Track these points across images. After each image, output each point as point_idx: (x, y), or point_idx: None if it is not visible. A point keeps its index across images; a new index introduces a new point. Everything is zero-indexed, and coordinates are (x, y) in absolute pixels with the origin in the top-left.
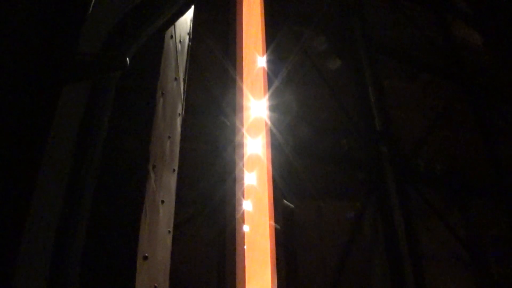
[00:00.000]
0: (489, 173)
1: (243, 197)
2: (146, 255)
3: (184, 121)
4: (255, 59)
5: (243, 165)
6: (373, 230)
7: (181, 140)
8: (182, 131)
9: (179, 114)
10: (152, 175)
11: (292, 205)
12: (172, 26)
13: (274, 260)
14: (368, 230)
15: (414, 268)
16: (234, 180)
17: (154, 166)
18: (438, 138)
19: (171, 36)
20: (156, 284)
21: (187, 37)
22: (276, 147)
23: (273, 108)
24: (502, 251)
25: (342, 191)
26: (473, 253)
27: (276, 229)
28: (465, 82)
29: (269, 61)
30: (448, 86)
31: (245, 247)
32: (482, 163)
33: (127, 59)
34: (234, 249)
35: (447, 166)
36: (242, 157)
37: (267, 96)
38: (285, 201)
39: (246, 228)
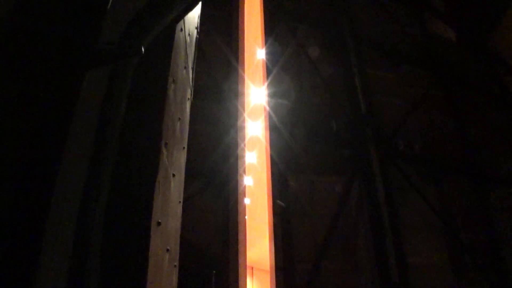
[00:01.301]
0: (460, 152)
1: (245, 173)
2: (159, 221)
3: (192, 106)
4: (255, 51)
5: (245, 145)
6: (358, 202)
7: (190, 122)
8: (191, 114)
9: (188, 98)
10: (164, 151)
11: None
12: (182, 21)
13: (272, 228)
14: (354, 201)
15: (394, 234)
16: (236, 159)
17: (166, 144)
18: (416, 121)
19: (181, 29)
20: (168, 247)
21: (195, 30)
22: (274, 129)
23: (271, 95)
24: (470, 220)
25: (331, 167)
26: (445, 222)
27: (280, 205)
28: (440, 72)
29: (267, 53)
30: (425, 75)
31: (246, 217)
32: (454, 143)
33: (142, 47)
34: (237, 219)
35: (424, 145)
36: (244, 138)
37: (266, 84)
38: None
39: (247, 200)
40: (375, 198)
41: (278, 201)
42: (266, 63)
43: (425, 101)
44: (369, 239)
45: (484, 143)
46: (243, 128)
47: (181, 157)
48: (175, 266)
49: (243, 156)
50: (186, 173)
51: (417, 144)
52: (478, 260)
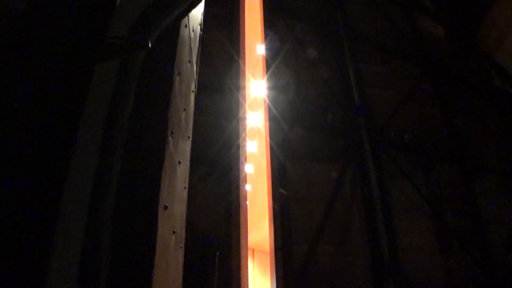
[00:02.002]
0: (448, 141)
1: (246, 161)
2: (166, 205)
3: (196, 98)
4: (255, 47)
5: (246, 135)
6: (352, 188)
7: (195, 114)
8: (195, 106)
9: (193, 91)
10: (170, 139)
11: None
12: (186, 17)
13: (271, 212)
14: (348, 187)
15: (386, 218)
16: (238, 148)
17: (172, 132)
18: (406, 112)
19: (186, 26)
20: (174, 230)
21: (199, 27)
22: (273, 120)
23: (270, 88)
24: (457, 205)
25: (327, 155)
26: (433, 207)
27: (281, 193)
28: (429, 66)
29: (267, 49)
30: (415, 69)
31: (247, 202)
32: (442, 133)
33: (149, 42)
34: (239, 204)
35: (414, 135)
36: (245, 128)
37: (265, 78)
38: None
39: (248, 187)
40: (368, 184)
41: (280, 189)
42: (266, 58)
43: (415, 93)
44: (362, 222)
45: (470, 133)
46: (244, 119)
47: (186, 146)
48: (181, 247)
49: (244, 146)
50: (191, 161)
51: (407, 134)
52: (464, 242)
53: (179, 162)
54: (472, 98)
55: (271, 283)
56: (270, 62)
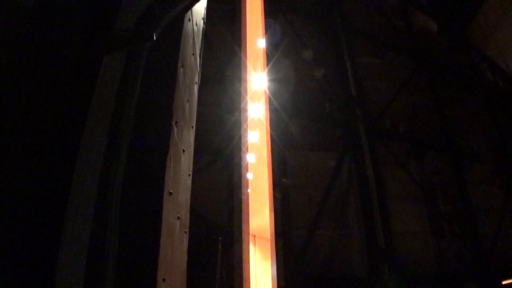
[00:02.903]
0: (439, 131)
1: (247, 151)
2: (171, 191)
3: (200, 89)
4: (256, 41)
5: (247, 125)
6: (349, 175)
7: (198, 104)
8: (198, 97)
9: (196, 82)
10: (175, 128)
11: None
12: (190, 12)
13: (272, 199)
14: (345, 175)
15: (381, 204)
16: (240, 138)
17: (176, 122)
18: (401, 104)
19: (189, 20)
20: (179, 215)
21: (202, 21)
22: (273, 111)
23: (271, 80)
24: (448, 192)
25: (325, 144)
26: (426, 193)
27: (282, 182)
28: (422, 60)
29: (267, 42)
30: (409, 63)
31: (249, 190)
32: (434, 123)
33: (154, 34)
34: (241, 191)
35: (407, 125)
36: (246, 119)
37: (266, 71)
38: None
39: (249, 175)
40: (364, 171)
41: (283, 179)
42: (266, 51)
43: (408, 85)
44: (358, 208)
45: (460, 124)
46: (245, 110)
47: (190, 135)
48: (185, 232)
49: (245, 136)
50: (194, 150)
51: (401, 123)
52: (455, 227)
53: (183, 151)
54: (463, 90)
55: (272, 267)
56: (270, 55)
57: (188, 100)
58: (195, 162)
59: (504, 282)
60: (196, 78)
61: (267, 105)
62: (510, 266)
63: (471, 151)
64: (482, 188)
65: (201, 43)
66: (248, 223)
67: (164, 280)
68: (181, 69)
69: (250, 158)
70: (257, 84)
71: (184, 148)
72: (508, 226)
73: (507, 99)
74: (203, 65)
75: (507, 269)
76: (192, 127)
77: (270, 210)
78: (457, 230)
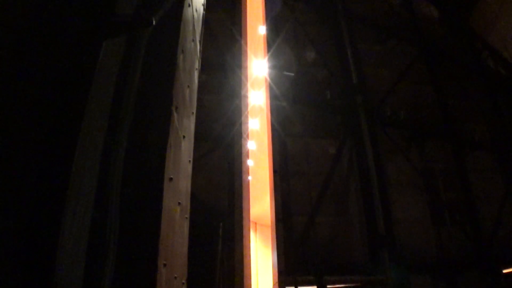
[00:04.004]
0: (440, 119)
1: (248, 138)
2: (171, 177)
3: (200, 76)
4: (257, 27)
5: (248, 113)
6: (349, 162)
7: (199, 91)
8: (199, 84)
9: (196, 69)
10: (175, 114)
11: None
12: None
13: (272, 186)
14: (346, 161)
15: (381, 191)
16: (240, 125)
17: (176, 108)
18: (401, 91)
19: (189, 5)
20: (180, 201)
21: (202, 7)
22: (274, 98)
23: (272, 67)
24: (449, 180)
25: (325, 131)
26: (427, 181)
27: (282, 168)
28: (424, 47)
29: (268, 29)
30: (410, 50)
31: (249, 177)
32: (435, 111)
33: (154, 19)
34: (241, 178)
35: (408, 112)
36: (247, 106)
37: (267, 57)
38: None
39: (250, 162)
40: (365, 158)
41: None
42: (267, 38)
43: (409, 73)
44: (359, 195)
45: (461, 111)
46: (246, 97)
47: (191, 121)
48: (186, 218)
49: (246, 123)
50: (195, 137)
51: (402, 111)
52: (456, 215)
53: (184, 137)
54: (464, 78)
55: (272, 253)
56: (271, 42)
57: (188, 86)
58: (196, 149)
59: (504, 271)
60: (196, 65)
61: (268, 92)
62: (511, 255)
63: (472, 139)
64: (483, 176)
65: (201, 29)
66: (248, 209)
67: (165, 265)
68: (181, 55)
69: (251, 145)
70: (257, 71)
71: (184, 135)
72: (509, 214)
73: (508, 87)
74: (204, 52)
75: (508, 258)
76: (193, 113)
77: (270, 197)
78: (458, 218)
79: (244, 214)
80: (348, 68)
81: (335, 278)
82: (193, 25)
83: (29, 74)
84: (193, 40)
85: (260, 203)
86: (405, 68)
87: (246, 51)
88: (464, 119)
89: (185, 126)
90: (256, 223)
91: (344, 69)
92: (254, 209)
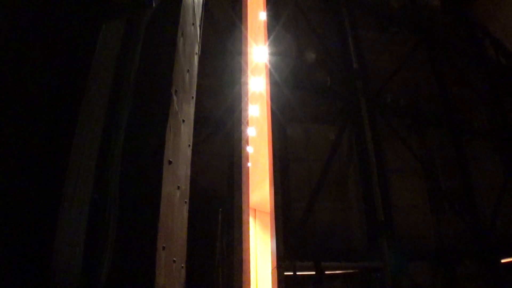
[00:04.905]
0: (440, 107)
1: (248, 124)
2: (171, 160)
3: (200, 62)
4: (258, 13)
5: (248, 99)
6: (349, 148)
7: (199, 77)
8: (199, 69)
9: (196, 53)
10: (175, 98)
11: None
12: None
13: (272, 172)
14: (345, 148)
15: (381, 178)
16: (240, 111)
17: (176, 91)
18: (402, 78)
19: None
20: (179, 185)
21: None
22: (274, 84)
23: (272, 53)
24: (448, 167)
25: (325, 117)
26: (426, 168)
27: (282, 154)
28: (425, 35)
29: (269, 15)
30: (411, 37)
31: (249, 164)
32: (435, 99)
33: (153, 1)
34: (241, 164)
35: (409, 100)
36: (247, 93)
37: (267, 44)
38: None
39: (250, 149)
40: (364, 145)
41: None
42: (267, 24)
43: (410, 60)
44: (358, 181)
45: (462, 100)
46: (246, 84)
47: (190, 106)
48: (185, 202)
49: (246, 109)
50: (195, 122)
51: (403, 98)
52: (454, 202)
53: (183, 121)
54: (465, 67)
55: (271, 239)
56: (271, 28)
57: (188, 70)
58: (196, 134)
59: (503, 261)
60: (196, 49)
61: (268, 79)
62: (509, 245)
63: (472, 128)
64: (483, 165)
65: (201, 14)
66: (248, 194)
67: (164, 248)
68: (181, 38)
69: (251, 132)
70: (258, 57)
71: (184, 119)
72: (508, 204)
73: (509, 76)
74: (204, 37)
75: (507, 248)
76: (192, 97)
77: (270, 183)
78: (457, 206)
79: (244, 199)
80: (348, 55)
81: (334, 264)
82: (193, 9)
83: (28, 56)
84: (193, 24)
85: (259, 190)
86: (406, 56)
87: (246, 37)
88: (464, 108)
89: (185, 110)
90: (255, 209)
91: (345, 55)
92: (254, 196)
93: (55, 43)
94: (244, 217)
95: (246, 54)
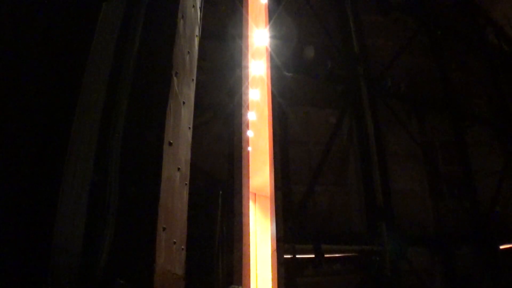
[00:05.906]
0: (441, 92)
1: (248, 108)
2: (171, 141)
3: (201, 45)
4: None
5: (249, 83)
6: (349, 132)
7: (199, 60)
8: (199, 53)
9: (197, 35)
10: (175, 79)
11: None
12: None
13: (272, 155)
14: (345, 132)
15: (380, 163)
16: (241, 95)
17: (176, 73)
18: (403, 63)
19: None
20: (179, 167)
21: None
22: (275, 68)
23: (273, 37)
24: (448, 153)
25: (325, 101)
26: (426, 154)
27: (282, 137)
28: (427, 20)
29: None
30: (413, 22)
31: (249, 148)
32: (436, 84)
33: None
34: (241, 147)
35: (409, 84)
36: (248, 77)
37: (268, 27)
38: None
39: (250, 133)
40: (364, 129)
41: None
42: (269, 7)
43: (411, 45)
44: (357, 165)
45: (462, 85)
46: (247, 67)
47: (191, 88)
48: (186, 184)
49: (247, 93)
50: (195, 105)
51: (403, 83)
52: (454, 189)
53: (184, 103)
54: (466, 53)
55: (271, 222)
56: (272, 11)
57: (189, 52)
58: (196, 117)
59: (501, 247)
60: (197, 32)
61: (269, 62)
62: (508, 231)
63: (473, 114)
64: (483, 151)
65: None
66: (248, 177)
67: (164, 229)
68: (181, 20)
69: (251, 116)
70: (258, 41)
71: (184, 101)
72: (508, 190)
73: (510, 63)
74: (204, 20)
75: (506, 234)
76: (193, 80)
77: (270, 166)
78: (456, 192)
79: (244, 182)
80: (350, 39)
81: (333, 247)
82: None
83: (29, 37)
84: (194, 6)
85: (260, 174)
86: (407, 40)
87: (247, 20)
88: (465, 93)
89: (185, 92)
90: (255, 194)
91: (346, 39)
92: (254, 180)
93: (55, 24)
94: (244, 200)
95: (246, 37)
